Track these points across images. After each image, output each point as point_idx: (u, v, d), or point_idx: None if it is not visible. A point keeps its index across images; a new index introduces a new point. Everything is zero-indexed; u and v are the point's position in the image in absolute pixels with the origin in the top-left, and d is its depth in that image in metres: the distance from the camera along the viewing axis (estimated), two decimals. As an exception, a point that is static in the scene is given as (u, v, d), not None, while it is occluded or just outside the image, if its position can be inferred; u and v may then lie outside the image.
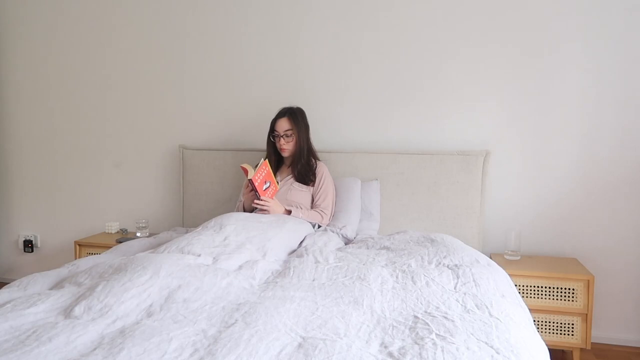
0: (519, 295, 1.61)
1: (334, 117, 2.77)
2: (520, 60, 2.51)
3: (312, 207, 2.41)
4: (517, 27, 2.50)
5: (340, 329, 1.19)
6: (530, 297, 2.22)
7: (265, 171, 2.24)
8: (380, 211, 2.54)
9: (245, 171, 2.22)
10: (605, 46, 2.41)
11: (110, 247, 2.25)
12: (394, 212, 2.55)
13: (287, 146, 2.38)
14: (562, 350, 2.42)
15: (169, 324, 1.19)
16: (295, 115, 2.39)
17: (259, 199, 2.24)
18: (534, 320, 2.14)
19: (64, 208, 3.26)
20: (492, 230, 2.59)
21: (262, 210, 2.27)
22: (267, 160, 2.28)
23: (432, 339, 1.12)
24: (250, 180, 2.19)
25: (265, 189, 2.25)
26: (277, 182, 2.34)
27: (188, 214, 2.88)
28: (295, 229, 2.11)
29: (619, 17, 2.39)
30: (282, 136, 2.37)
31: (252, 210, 2.44)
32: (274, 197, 2.31)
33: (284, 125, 2.37)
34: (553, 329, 2.21)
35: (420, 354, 1.06)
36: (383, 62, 2.69)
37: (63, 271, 1.69)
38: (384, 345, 1.13)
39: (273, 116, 2.43)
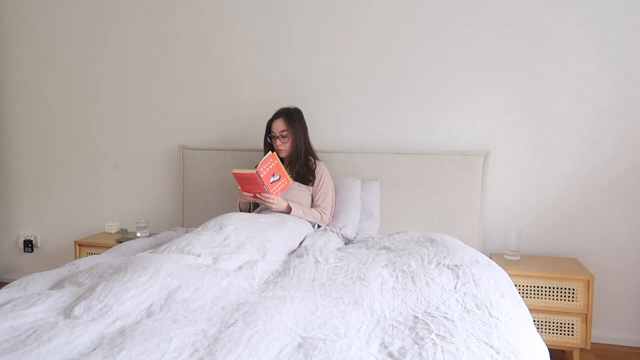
0: (518, 295, 1.61)
1: (334, 117, 2.77)
2: (520, 60, 2.51)
3: (312, 207, 2.41)
4: (517, 27, 2.50)
5: (340, 329, 1.19)
6: (530, 297, 2.21)
7: (273, 164, 2.18)
8: (380, 211, 2.54)
9: (238, 177, 2.20)
10: (606, 46, 2.41)
11: (110, 247, 2.25)
12: (394, 212, 2.55)
13: (283, 147, 2.38)
14: (562, 350, 2.42)
15: (168, 324, 1.19)
16: (290, 116, 2.38)
17: (265, 192, 2.18)
18: (534, 320, 2.13)
19: (64, 208, 3.26)
20: (492, 230, 2.59)
21: (267, 203, 2.23)
22: (275, 153, 2.22)
23: (432, 339, 1.12)
24: (257, 172, 2.13)
25: (273, 182, 2.20)
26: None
27: (188, 214, 2.88)
28: (295, 229, 2.11)
29: (619, 18, 2.39)
30: (278, 137, 2.37)
31: (247, 210, 2.43)
32: (282, 192, 2.26)
33: (279, 126, 2.36)
34: (553, 329, 2.21)
35: (420, 354, 1.06)
36: (382, 61, 2.69)
37: (63, 271, 1.69)
38: (384, 345, 1.13)
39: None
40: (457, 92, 2.60)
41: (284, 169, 2.23)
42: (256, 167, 2.15)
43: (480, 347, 1.09)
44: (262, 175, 2.14)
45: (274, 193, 2.22)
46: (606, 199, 2.47)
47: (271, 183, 2.19)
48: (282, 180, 2.23)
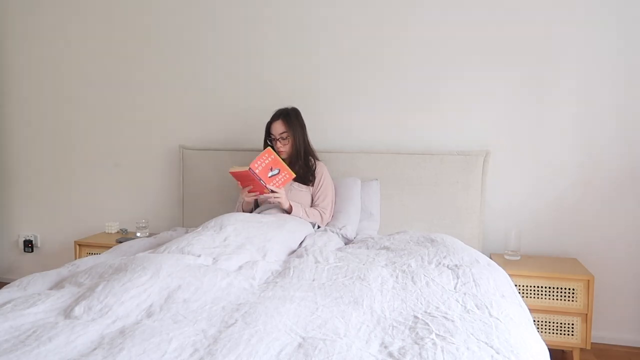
0: (518, 295, 1.61)
1: (334, 117, 2.77)
2: (520, 60, 2.51)
3: (311, 207, 2.41)
4: (517, 27, 2.50)
5: (340, 329, 1.19)
6: (530, 297, 2.21)
7: (269, 159, 2.16)
8: (380, 211, 2.54)
9: (236, 175, 2.19)
10: (605, 45, 2.41)
11: (110, 247, 2.25)
12: (394, 212, 2.55)
13: (284, 148, 2.37)
14: (562, 350, 2.42)
15: (168, 324, 1.19)
16: (289, 117, 2.37)
17: (265, 188, 2.17)
18: (534, 320, 2.13)
19: (64, 208, 3.26)
20: (492, 230, 2.59)
21: (272, 199, 2.22)
22: (270, 148, 2.20)
23: (432, 339, 1.12)
24: (250, 168, 2.11)
25: (272, 176, 2.17)
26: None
27: (188, 214, 2.88)
28: (295, 230, 2.11)
29: (619, 18, 2.39)
30: (278, 139, 2.37)
31: (249, 210, 2.43)
32: (284, 185, 2.24)
33: (278, 128, 2.36)
34: (553, 329, 2.21)
35: (420, 354, 1.06)
36: (383, 62, 2.69)
37: (63, 271, 1.69)
38: (384, 345, 1.13)
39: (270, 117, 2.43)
40: (457, 92, 2.60)
41: (283, 163, 2.20)
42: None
43: (480, 347, 1.09)
44: (256, 171, 2.13)
45: (276, 185, 2.20)
46: (606, 199, 2.47)
47: (270, 177, 2.17)
48: (283, 174, 2.21)
